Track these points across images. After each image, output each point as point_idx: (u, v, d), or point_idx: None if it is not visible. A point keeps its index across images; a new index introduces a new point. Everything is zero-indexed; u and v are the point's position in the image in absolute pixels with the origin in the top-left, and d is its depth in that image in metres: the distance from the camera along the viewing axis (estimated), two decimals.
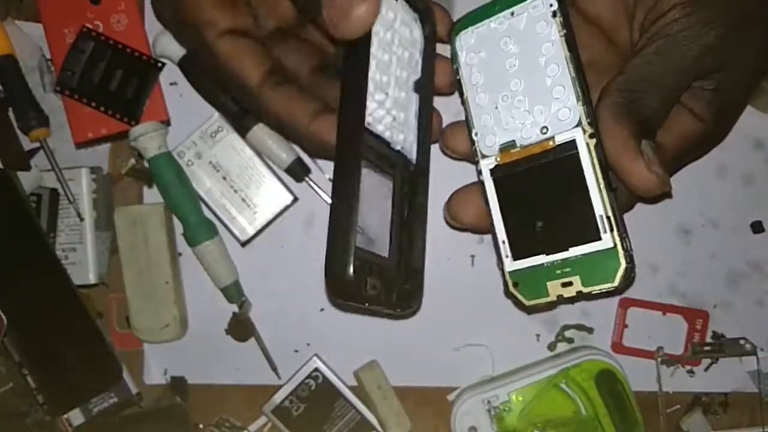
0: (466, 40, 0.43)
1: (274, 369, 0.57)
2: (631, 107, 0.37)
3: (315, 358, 0.55)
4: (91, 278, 0.55)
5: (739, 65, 0.38)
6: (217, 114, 0.55)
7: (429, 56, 0.42)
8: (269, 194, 0.55)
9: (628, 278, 0.37)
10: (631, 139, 0.36)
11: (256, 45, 0.41)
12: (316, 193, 0.55)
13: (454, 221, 0.45)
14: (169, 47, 0.53)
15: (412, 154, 0.42)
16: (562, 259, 0.39)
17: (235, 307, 0.56)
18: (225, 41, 0.40)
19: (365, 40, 0.37)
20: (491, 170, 0.42)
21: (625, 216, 0.39)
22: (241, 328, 0.56)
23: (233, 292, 0.55)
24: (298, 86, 0.41)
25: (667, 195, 0.46)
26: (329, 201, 0.55)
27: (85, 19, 0.53)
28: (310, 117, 0.40)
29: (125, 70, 0.53)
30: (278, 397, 0.55)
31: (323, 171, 0.56)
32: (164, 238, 0.54)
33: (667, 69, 0.37)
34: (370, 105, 0.38)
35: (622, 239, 0.37)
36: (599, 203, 0.37)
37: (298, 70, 0.43)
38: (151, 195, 0.56)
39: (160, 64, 0.54)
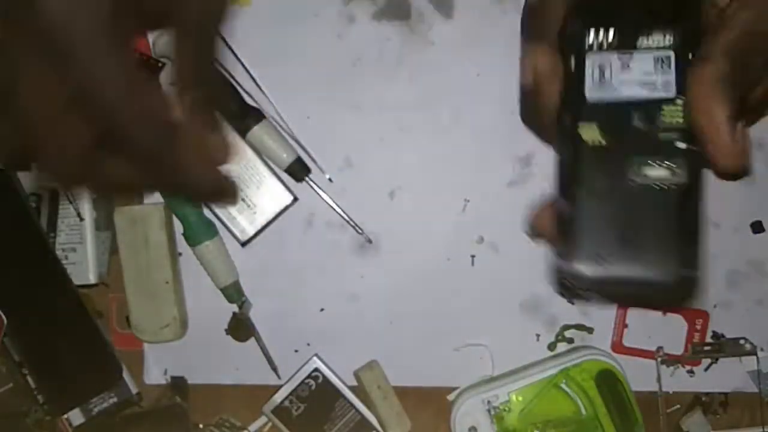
0: None
1: (274, 369, 0.57)
2: (737, 78, 0.32)
3: (315, 358, 0.55)
4: (91, 278, 0.55)
5: None
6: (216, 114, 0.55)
7: None
8: (269, 194, 0.55)
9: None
10: (728, 120, 0.32)
11: None
12: (316, 193, 0.55)
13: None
14: (169, 47, 0.53)
15: None
16: None
17: (235, 307, 0.56)
18: None
19: None
20: None
21: None
22: (241, 328, 0.56)
23: (233, 292, 0.55)
24: None
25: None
26: (329, 201, 0.55)
27: None
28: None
29: None
30: (278, 397, 0.55)
31: (323, 171, 0.56)
32: (164, 238, 0.54)
33: None
34: None
35: None
36: None
37: None
38: (151, 195, 0.56)
39: (160, 64, 0.54)
